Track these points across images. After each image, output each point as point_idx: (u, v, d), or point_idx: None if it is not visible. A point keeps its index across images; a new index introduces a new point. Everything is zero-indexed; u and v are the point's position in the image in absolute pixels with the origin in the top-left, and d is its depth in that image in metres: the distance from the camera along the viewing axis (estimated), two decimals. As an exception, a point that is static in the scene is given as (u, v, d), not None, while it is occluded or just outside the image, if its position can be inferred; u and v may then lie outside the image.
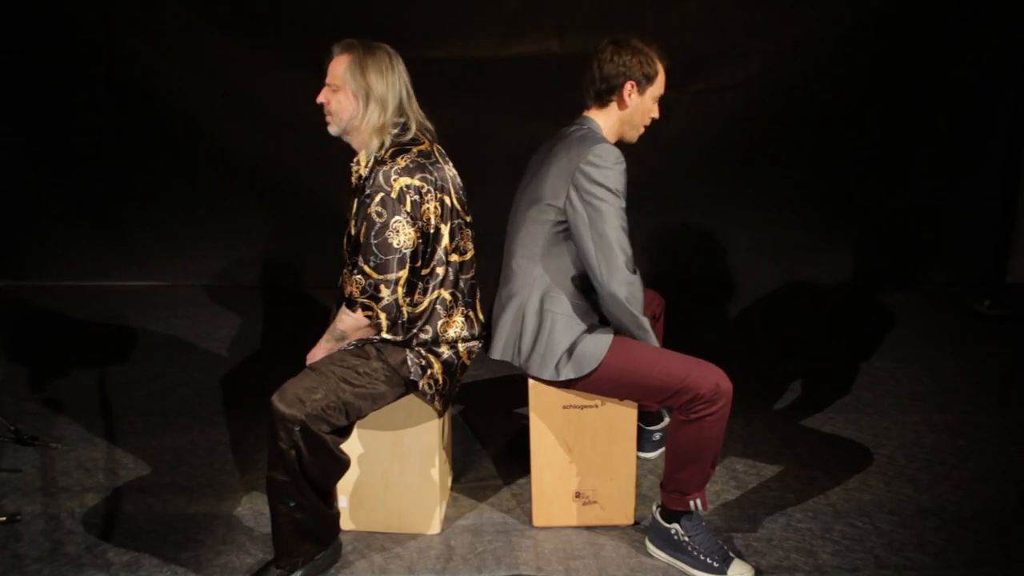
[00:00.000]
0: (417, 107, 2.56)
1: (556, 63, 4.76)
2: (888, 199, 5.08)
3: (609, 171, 2.48)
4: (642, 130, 2.67)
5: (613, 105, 2.60)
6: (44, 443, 3.28)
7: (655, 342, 2.58)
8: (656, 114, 2.66)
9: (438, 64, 4.75)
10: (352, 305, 2.48)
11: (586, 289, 2.59)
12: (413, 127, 2.53)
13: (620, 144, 2.64)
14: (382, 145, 2.49)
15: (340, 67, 2.47)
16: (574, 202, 2.50)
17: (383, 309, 2.45)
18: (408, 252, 2.44)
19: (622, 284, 2.48)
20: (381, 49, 2.50)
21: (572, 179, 2.49)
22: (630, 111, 2.60)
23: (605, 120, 2.62)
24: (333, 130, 2.54)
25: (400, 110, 2.50)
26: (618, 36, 2.60)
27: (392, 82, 2.47)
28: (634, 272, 2.51)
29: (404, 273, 2.44)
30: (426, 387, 2.53)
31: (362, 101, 2.46)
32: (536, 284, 2.58)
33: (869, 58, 4.82)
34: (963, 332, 4.46)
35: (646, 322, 2.56)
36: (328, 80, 2.50)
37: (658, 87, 2.61)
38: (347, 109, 2.48)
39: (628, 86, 2.57)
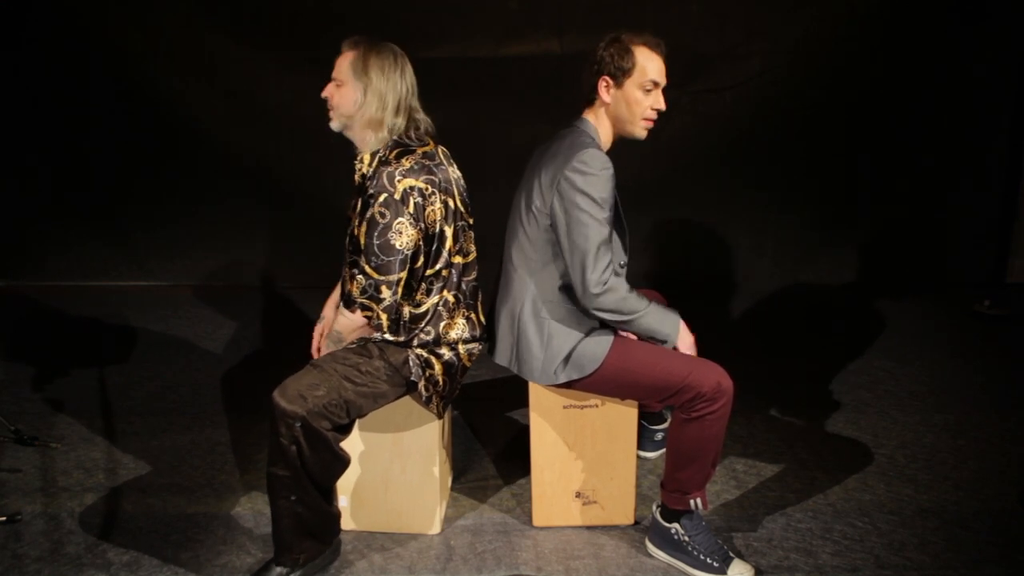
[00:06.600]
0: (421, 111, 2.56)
1: (556, 63, 4.76)
2: (888, 199, 5.08)
3: (593, 178, 2.44)
4: (643, 123, 2.56)
5: (598, 102, 2.58)
6: (44, 443, 3.28)
7: (661, 318, 2.51)
8: (660, 105, 2.55)
9: (438, 64, 4.75)
10: (350, 305, 2.48)
11: None
12: (421, 127, 2.54)
13: (627, 141, 2.61)
14: (382, 143, 2.49)
15: (345, 62, 2.49)
16: (556, 209, 2.49)
17: (384, 310, 2.45)
18: (410, 254, 2.44)
19: (593, 295, 2.45)
20: (388, 48, 2.51)
21: (557, 185, 2.48)
22: (613, 107, 2.54)
23: (597, 119, 2.60)
24: (334, 125, 2.54)
25: (399, 109, 2.49)
26: (614, 33, 2.57)
27: (394, 81, 2.47)
28: (606, 283, 2.44)
29: (405, 274, 2.45)
30: (423, 389, 2.53)
31: (361, 94, 2.47)
32: (531, 290, 2.57)
33: (869, 58, 4.82)
34: (963, 332, 4.46)
35: (638, 313, 2.48)
36: (333, 75, 2.51)
37: (639, 77, 2.50)
38: (348, 103, 2.48)
39: (602, 82, 2.53)
